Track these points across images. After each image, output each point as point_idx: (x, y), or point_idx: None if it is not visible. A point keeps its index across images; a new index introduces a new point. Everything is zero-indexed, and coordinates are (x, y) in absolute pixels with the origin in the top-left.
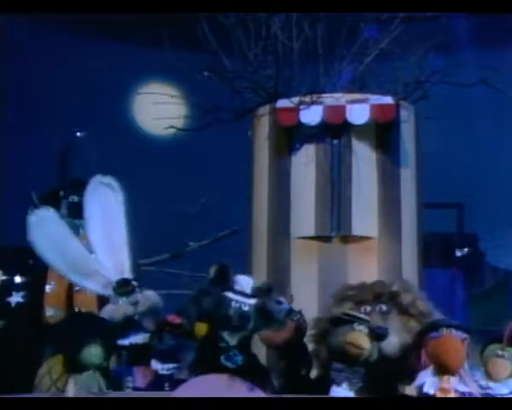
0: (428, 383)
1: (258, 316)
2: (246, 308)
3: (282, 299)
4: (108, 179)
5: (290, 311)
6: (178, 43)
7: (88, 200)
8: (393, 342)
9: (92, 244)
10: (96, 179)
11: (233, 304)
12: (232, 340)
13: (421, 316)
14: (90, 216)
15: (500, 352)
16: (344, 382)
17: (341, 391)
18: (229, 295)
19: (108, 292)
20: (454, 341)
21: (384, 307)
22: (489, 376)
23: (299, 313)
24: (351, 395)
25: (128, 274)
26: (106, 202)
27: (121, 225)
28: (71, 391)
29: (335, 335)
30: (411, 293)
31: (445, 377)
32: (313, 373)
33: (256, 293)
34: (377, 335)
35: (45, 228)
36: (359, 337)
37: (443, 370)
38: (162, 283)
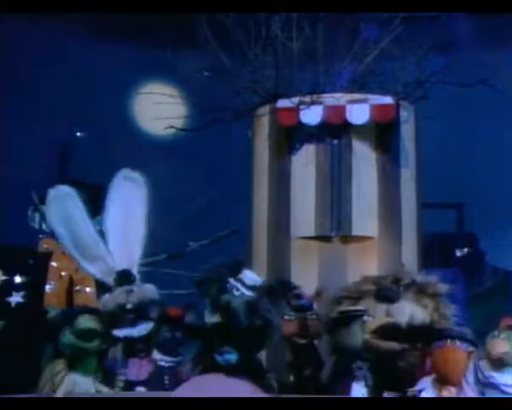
0: (426, 390)
1: (244, 310)
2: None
3: (302, 294)
4: (135, 175)
5: (308, 307)
6: (178, 43)
7: (112, 191)
8: (405, 310)
9: (107, 233)
10: (123, 173)
11: (235, 291)
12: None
13: (435, 295)
14: (110, 206)
15: (496, 333)
16: (363, 379)
17: (361, 389)
18: (235, 283)
19: (109, 280)
20: (455, 352)
21: (402, 288)
22: (489, 358)
23: (317, 314)
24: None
25: (135, 268)
26: (128, 196)
27: (140, 221)
28: (64, 387)
29: (347, 335)
30: (435, 278)
31: (445, 387)
32: (325, 373)
33: (256, 290)
34: (387, 296)
35: (61, 203)
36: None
37: (442, 379)
38: (162, 283)
